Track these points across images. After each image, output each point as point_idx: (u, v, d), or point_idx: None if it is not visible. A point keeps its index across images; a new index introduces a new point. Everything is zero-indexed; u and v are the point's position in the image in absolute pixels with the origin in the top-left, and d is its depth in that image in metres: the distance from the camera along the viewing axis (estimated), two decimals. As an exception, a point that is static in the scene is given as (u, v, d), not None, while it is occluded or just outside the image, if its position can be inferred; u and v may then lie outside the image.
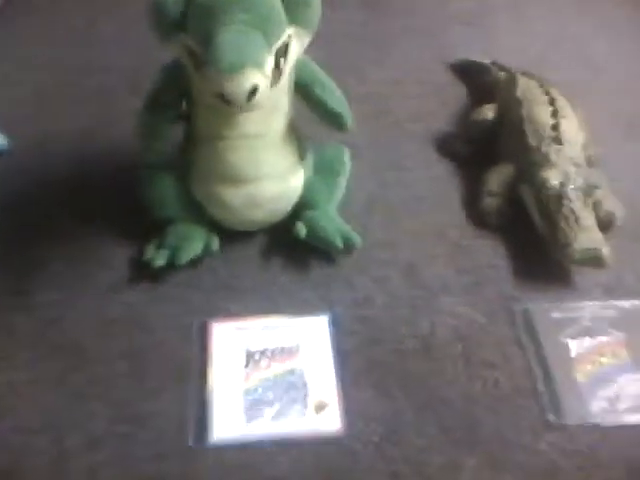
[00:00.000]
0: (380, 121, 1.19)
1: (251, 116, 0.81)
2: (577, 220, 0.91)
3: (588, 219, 0.91)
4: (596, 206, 0.99)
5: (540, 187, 0.94)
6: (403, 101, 1.24)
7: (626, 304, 0.91)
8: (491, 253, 0.97)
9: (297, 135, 0.91)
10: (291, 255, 0.94)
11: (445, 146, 1.13)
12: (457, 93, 1.27)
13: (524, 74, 1.16)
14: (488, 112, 1.10)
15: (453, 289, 0.92)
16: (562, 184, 0.93)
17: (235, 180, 0.86)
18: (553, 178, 0.94)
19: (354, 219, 0.99)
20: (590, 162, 1.08)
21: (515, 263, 0.96)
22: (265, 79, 0.73)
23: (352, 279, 0.92)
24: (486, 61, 1.27)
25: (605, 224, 0.99)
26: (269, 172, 0.86)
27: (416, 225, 1.01)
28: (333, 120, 0.87)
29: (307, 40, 0.82)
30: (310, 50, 0.89)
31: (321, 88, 0.85)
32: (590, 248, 0.89)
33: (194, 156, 0.87)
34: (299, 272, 0.92)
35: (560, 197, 0.92)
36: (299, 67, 0.85)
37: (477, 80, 1.26)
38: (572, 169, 0.95)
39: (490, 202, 1.00)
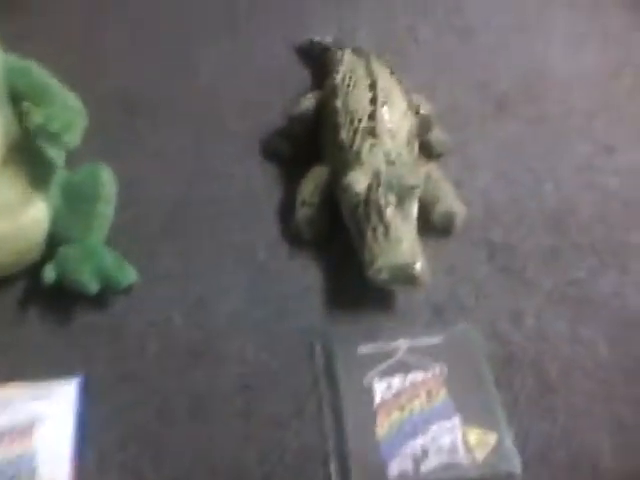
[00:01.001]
0: (201, 121, 1.05)
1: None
2: (386, 232, 0.76)
3: (400, 229, 0.76)
4: (429, 207, 0.86)
5: (345, 193, 0.80)
6: (233, 94, 1.09)
7: (455, 328, 0.77)
8: (300, 276, 0.83)
9: (31, 158, 0.76)
10: (54, 301, 0.80)
11: (268, 147, 0.99)
12: (299, 80, 1.13)
13: (355, 52, 1.01)
14: (308, 103, 0.95)
15: (246, 327, 0.78)
16: (370, 188, 0.78)
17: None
18: (359, 181, 0.79)
19: (142, 246, 0.86)
20: (436, 151, 0.95)
21: (327, 287, 0.82)
22: None
23: (123, 325, 0.78)
24: (328, 39, 1.12)
25: (442, 227, 0.86)
26: (-12, 206, 0.72)
27: (218, 248, 0.87)
28: (40, 136, 0.72)
29: None
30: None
31: (34, 99, 0.71)
32: (399, 265, 0.74)
33: None
34: (59, 323, 0.78)
35: (367, 204, 0.78)
36: (11, 76, 0.71)
37: (319, 63, 1.11)
38: (385, 168, 0.80)
39: (303, 213, 0.86)
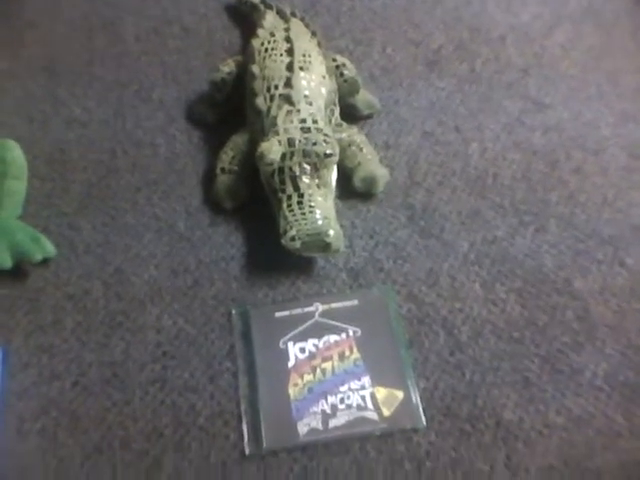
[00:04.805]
0: (124, 88, 1.08)
1: None
2: (301, 200, 0.82)
3: (314, 198, 0.82)
4: (351, 172, 0.91)
5: (260, 162, 0.85)
6: (158, 59, 1.12)
7: (370, 290, 0.84)
8: (221, 244, 0.89)
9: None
10: (-29, 277, 0.86)
11: (192, 114, 1.03)
12: (229, 42, 1.16)
13: (279, 13, 1.04)
14: (227, 68, 0.98)
15: (164, 296, 0.84)
16: (284, 156, 0.83)
17: None
18: (272, 150, 0.83)
19: (63, 218, 0.91)
20: (363, 113, 1.00)
21: (247, 254, 0.88)
22: None
23: (41, 299, 0.84)
24: (256, -1, 1.15)
25: (364, 191, 0.92)
26: None
27: (140, 218, 0.92)
28: None
29: None
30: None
31: None
32: (311, 234, 0.80)
33: None
34: (-23, 297, 0.84)
35: (282, 173, 0.83)
36: None
37: (248, 23, 1.14)
38: (299, 136, 0.84)
39: (222, 181, 0.91)
